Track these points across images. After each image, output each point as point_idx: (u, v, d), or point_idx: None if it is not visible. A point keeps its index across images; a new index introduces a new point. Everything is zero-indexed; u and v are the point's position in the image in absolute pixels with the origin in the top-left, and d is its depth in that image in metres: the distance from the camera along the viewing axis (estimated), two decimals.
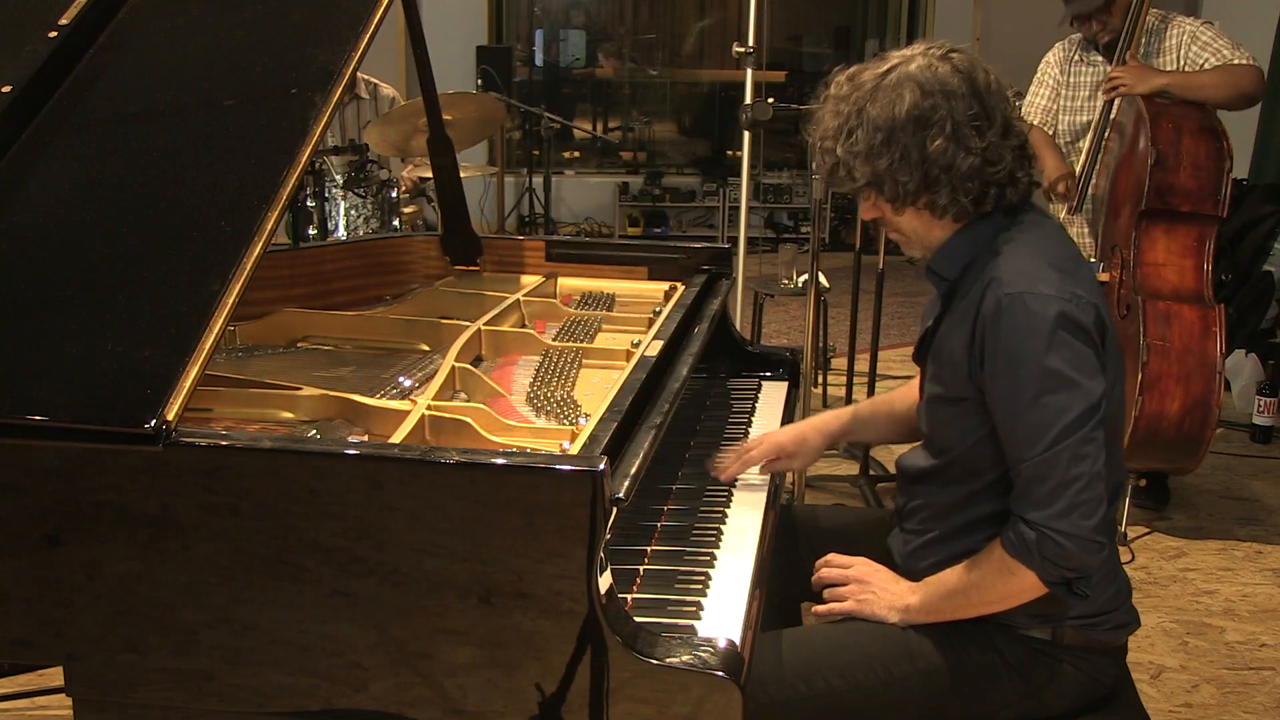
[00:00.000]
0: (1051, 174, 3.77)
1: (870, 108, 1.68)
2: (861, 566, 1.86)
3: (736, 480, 2.08)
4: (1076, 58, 3.82)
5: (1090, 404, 1.60)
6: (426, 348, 2.31)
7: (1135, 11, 3.53)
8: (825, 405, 4.69)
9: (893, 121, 1.66)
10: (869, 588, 1.82)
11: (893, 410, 2.13)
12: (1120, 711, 1.82)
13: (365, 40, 1.92)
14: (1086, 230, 3.85)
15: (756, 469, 2.09)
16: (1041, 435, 1.60)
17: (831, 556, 1.90)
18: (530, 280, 2.65)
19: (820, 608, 1.85)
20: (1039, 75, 3.90)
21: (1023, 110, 3.36)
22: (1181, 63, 3.58)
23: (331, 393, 1.91)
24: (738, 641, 1.54)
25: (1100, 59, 3.77)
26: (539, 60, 8.38)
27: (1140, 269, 3.47)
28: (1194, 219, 3.46)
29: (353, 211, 3.94)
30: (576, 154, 8.51)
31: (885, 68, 1.70)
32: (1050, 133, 3.88)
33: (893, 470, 3.90)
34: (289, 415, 1.91)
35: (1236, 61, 3.49)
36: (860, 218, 1.85)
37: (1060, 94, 3.84)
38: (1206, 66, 3.52)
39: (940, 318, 1.80)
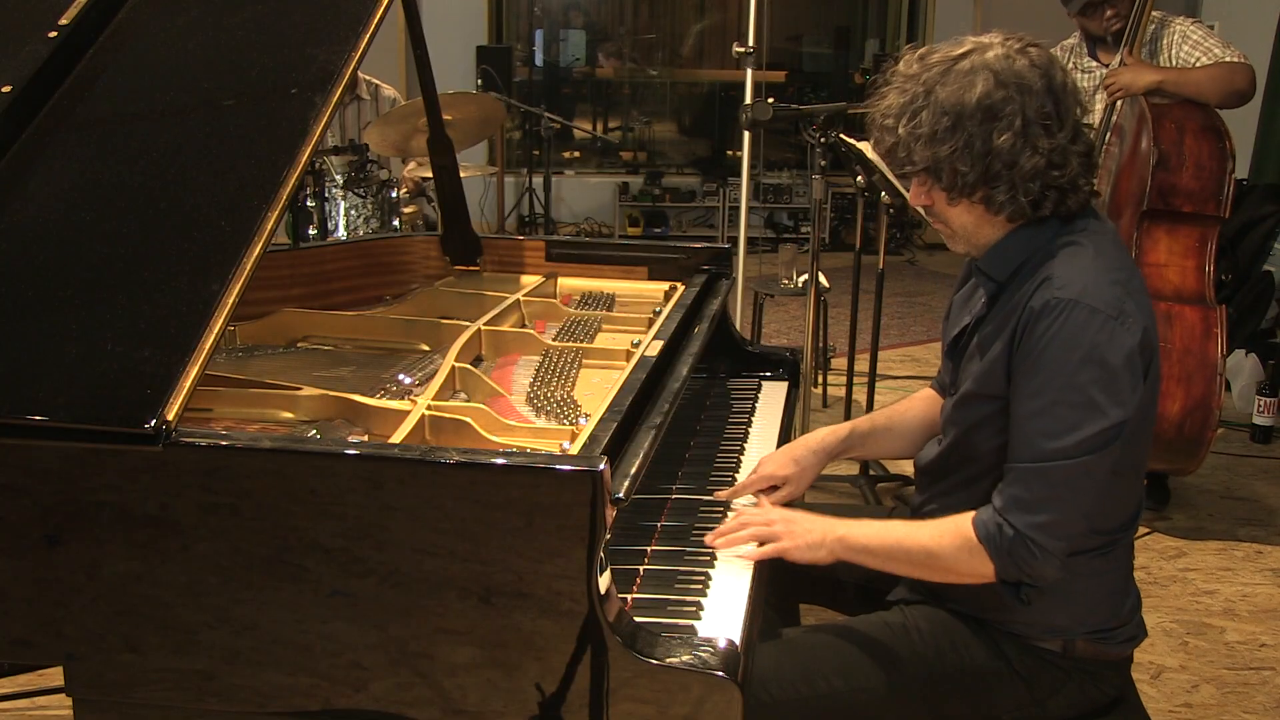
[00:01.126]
0: None
1: (940, 90, 1.61)
2: (782, 509, 1.84)
3: (736, 479, 2.08)
4: (1070, 65, 3.82)
5: (1103, 429, 1.56)
6: (426, 348, 2.31)
7: (1141, 3, 3.53)
8: (825, 405, 4.69)
9: (961, 108, 1.59)
10: (791, 524, 1.77)
11: (892, 425, 2.08)
12: (1121, 713, 1.82)
13: (365, 40, 1.92)
14: None
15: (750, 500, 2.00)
16: (1045, 444, 1.58)
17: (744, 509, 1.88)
18: (530, 280, 2.65)
19: (738, 550, 1.78)
20: None
21: None
22: (1174, 63, 3.59)
23: (331, 393, 1.91)
24: (738, 641, 1.54)
25: (1095, 64, 3.77)
26: (539, 60, 8.38)
27: (1142, 269, 3.47)
28: (1196, 219, 3.46)
29: (353, 211, 3.94)
30: (576, 154, 8.51)
31: (960, 51, 1.64)
32: None
33: (893, 471, 3.92)
34: (289, 415, 1.91)
35: (1229, 59, 3.49)
36: (910, 203, 1.77)
37: None
38: (1198, 65, 3.53)
39: (984, 318, 1.75)
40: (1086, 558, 1.69)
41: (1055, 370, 1.58)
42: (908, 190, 1.74)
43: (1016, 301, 1.66)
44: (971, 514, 1.66)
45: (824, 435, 2.06)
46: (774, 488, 2.01)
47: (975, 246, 1.73)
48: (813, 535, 1.75)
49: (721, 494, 1.99)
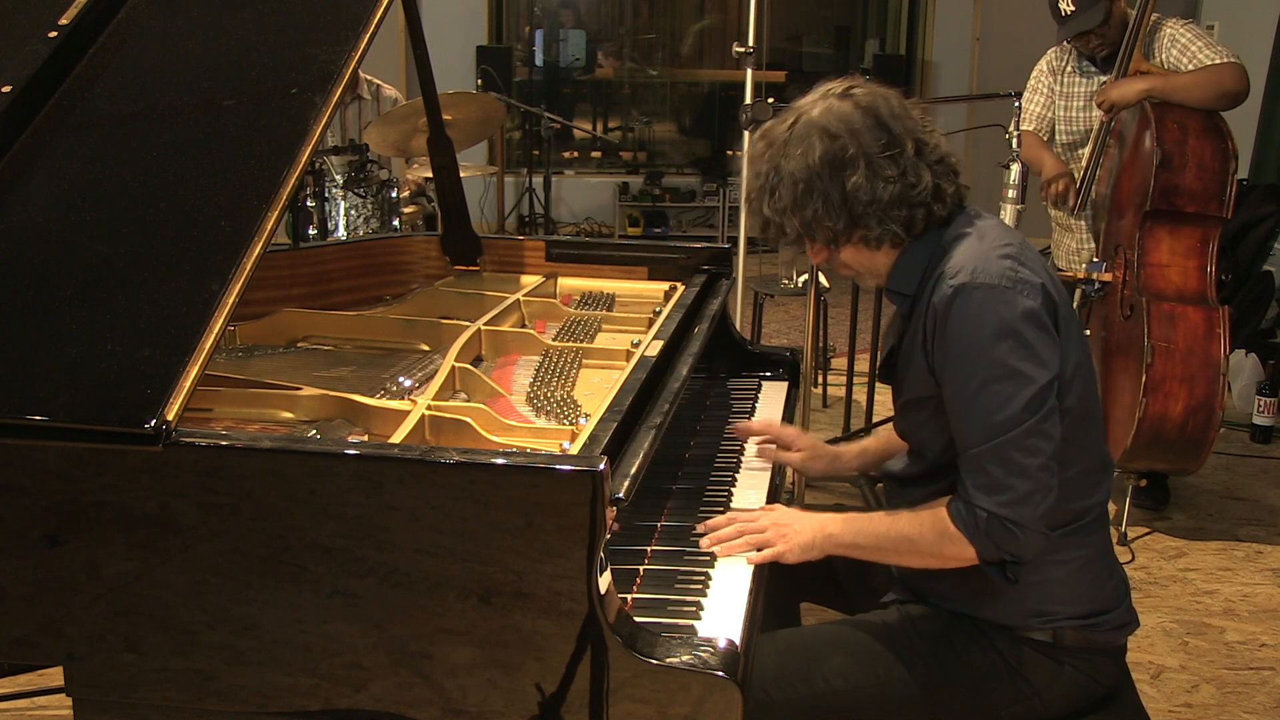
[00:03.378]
0: (1049, 174, 3.76)
1: (785, 163, 1.72)
2: (772, 512, 1.87)
3: (736, 479, 2.09)
4: (1070, 68, 3.80)
5: (1036, 392, 1.62)
6: (426, 348, 2.31)
7: (1134, 28, 3.51)
8: (825, 405, 4.69)
9: (809, 171, 1.69)
10: (783, 529, 1.82)
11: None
12: (1120, 711, 1.82)
13: (365, 40, 1.92)
14: (1086, 234, 3.84)
15: (755, 449, 2.19)
16: (987, 424, 1.63)
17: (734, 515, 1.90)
18: (530, 280, 2.65)
19: (732, 548, 1.81)
20: (1033, 83, 3.88)
21: (1019, 115, 3.34)
22: (1164, 67, 3.55)
23: (331, 393, 1.91)
24: (738, 641, 1.54)
25: (1095, 69, 3.76)
26: (539, 60, 8.38)
27: (1144, 270, 3.47)
28: (1198, 220, 3.45)
29: (353, 211, 3.93)
30: (576, 154, 8.51)
31: (791, 120, 1.75)
32: (1045, 139, 3.86)
33: None
34: (289, 415, 1.91)
35: (1217, 61, 3.45)
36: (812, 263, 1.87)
37: (1055, 103, 3.83)
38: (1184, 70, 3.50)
39: (904, 333, 1.82)
40: (1059, 535, 1.71)
41: (972, 354, 1.64)
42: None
43: (924, 304, 1.73)
44: (947, 501, 1.69)
45: (843, 448, 2.22)
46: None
47: (880, 277, 1.82)
48: (804, 536, 1.80)
49: (703, 539, 1.87)
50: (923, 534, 1.71)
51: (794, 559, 1.79)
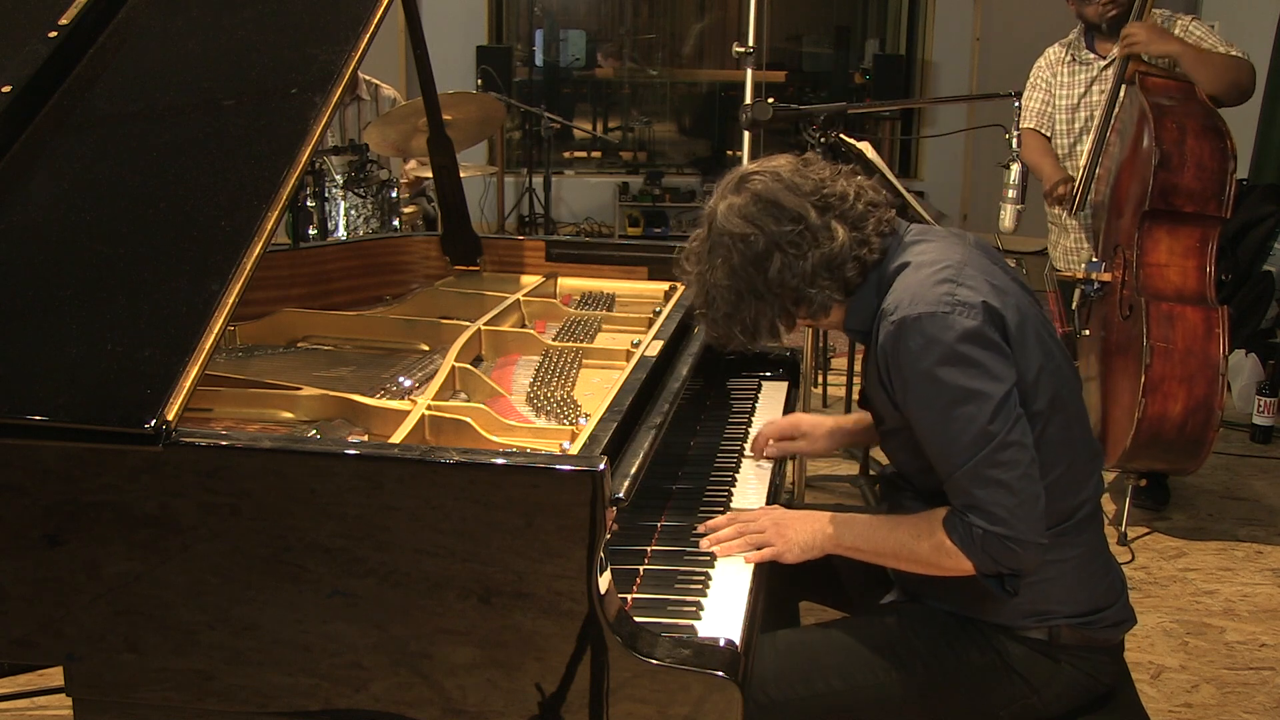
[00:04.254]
0: (1050, 178, 3.78)
1: (711, 276, 1.74)
2: (772, 513, 1.88)
3: (736, 479, 2.09)
4: (1069, 59, 3.84)
5: (996, 406, 1.62)
6: (426, 348, 2.31)
7: None
8: (825, 405, 4.69)
9: (734, 277, 1.72)
10: (782, 529, 1.83)
11: None
12: (1120, 711, 1.82)
13: (365, 40, 1.92)
14: (1083, 234, 3.85)
15: (767, 455, 2.18)
16: (957, 448, 1.63)
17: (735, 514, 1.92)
18: (530, 280, 2.65)
19: (730, 547, 1.83)
20: (1033, 79, 3.91)
21: (1020, 114, 3.34)
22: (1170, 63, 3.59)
23: (331, 393, 1.91)
24: (738, 641, 1.54)
25: (1094, 56, 3.77)
26: (539, 60, 8.38)
27: (1143, 270, 3.47)
28: (1197, 220, 3.45)
29: (353, 211, 3.93)
30: (578, 154, 8.51)
31: (705, 230, 1.77)
32: (1048, 135, 3.88)
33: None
34: (289, 415, 1.91)
35: (1235, 54, 3.51)
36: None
37: (1054, 95, 3.85)
38: None
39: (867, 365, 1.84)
40: (1053, 534, 1.71)
41: (926, 384, 1.65)
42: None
43: (875, 342, 1.75)
44: (944, 514, 1.69)
45: (844, 419, 2.22)
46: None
47: (841, 326, 1.84)
48: (803, 537, 1.81)
49: (703, 539, 1.90)
50: (920, 544, 1.71)
51: (793, 559, 1.80)
